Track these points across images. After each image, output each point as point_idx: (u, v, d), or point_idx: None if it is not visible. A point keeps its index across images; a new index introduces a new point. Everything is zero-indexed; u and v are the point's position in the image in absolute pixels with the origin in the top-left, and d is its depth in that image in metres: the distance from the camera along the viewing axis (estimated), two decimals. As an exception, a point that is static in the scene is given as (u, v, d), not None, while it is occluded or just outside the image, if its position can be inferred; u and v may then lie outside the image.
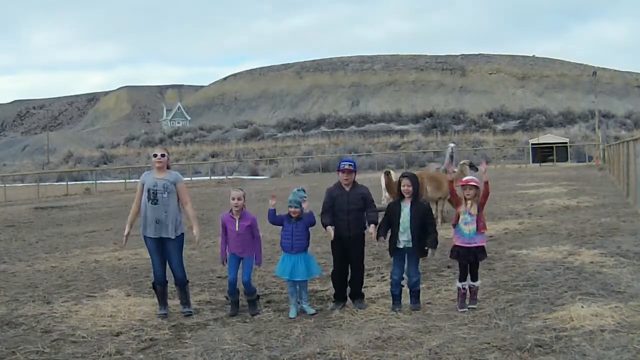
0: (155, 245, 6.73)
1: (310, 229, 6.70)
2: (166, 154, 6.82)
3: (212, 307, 7.08)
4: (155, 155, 6.77)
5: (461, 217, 6.50)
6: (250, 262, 6.75)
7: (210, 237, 12.98)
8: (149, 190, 6.63)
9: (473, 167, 14.08)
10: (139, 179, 6.97)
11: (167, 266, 6.89)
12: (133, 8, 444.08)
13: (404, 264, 6.60)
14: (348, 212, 6.65)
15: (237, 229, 6.61)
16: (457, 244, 6.57)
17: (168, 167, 6.88)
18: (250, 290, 6.74)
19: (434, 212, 12.83)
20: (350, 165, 6.75)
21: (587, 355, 4.90)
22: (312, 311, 6.56)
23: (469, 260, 6.50)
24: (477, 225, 6.45)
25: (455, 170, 13.61)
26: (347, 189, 6.73)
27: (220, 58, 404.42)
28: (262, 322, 6.39)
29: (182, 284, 6.88)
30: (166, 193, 6.63)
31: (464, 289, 6.51)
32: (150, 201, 6.61)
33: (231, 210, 6.68)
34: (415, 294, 6.62)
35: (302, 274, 6.56)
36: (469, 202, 6.49)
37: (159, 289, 6.81)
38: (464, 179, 6.77)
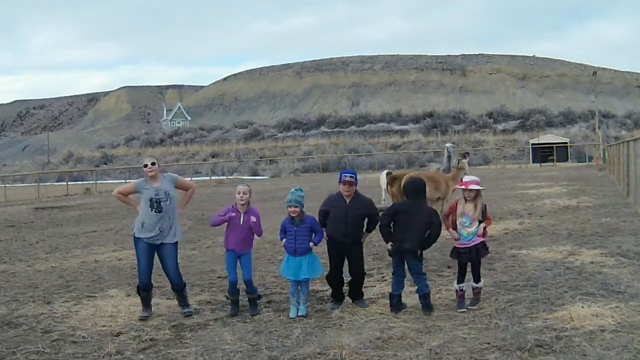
0: (147, 248, 6.68)
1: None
2: (156, 161, 6.76)
3: (212, 307, 7.08)
4: (145, 166, 6.69)
5: (459, 220, 6.46)
6: (249, 260, 6.76)
7: (210, 237, 12.98)
8: (151, 200, 6.58)
9: (467, 154, 14.32)
10: (139, 179, 6.94)
11: (153, 270, 6.83)
12: (133, 8, 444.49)
13: (404, 265, 6.59)
14: (346, 223, 6.66)
15: (241, 223, 6.61)
16: (456, 245, 6.57)
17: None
18: (252, 289, 6.75)
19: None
20: (351, 177, 6.71)
21: (588, 355, 4.90)
22: (304, 313, 6.53)
23: (470, 259, 6.49)
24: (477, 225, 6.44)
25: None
26: (348, 200, 6.73)
27: (220, 58, 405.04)
28: (262, 322, 6.39)
29: (179, 289, 6.86)
30: (169, 200, 6.62)
31: (461, 290, 6.50)
32: (154, 210, 6.57)
33: (236, 204, 6.69)
34: (425, 298, 6.48)
35: (306, 274, 6.57)
36: (469, 205, 6.45)
37: (143, 294, 6.74)
38: (465, 179, 6.71)
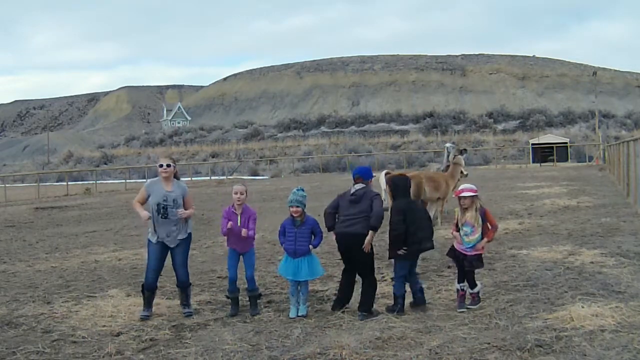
0: (160, 249, 6.69)
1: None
2: (172, 163, 6.72)
3: (212, 307, 7.08)
4: (161, 166, 6.68)
5: (462, 230, 6.48)
6: (251, 257, 6.78)
7: (210, 237, 12.98)
8: (158, 205, 6.57)
9: (464, 151, 14.37)
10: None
11: (160, 273, 6.84)
12: (133, 8, 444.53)
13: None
14: None
15: (238, 224, 6.61)
16: (455, 246, 6.58)
17: (175, 176, 6.82)
18: (253, 286, 6.75)
19: (433, 212, 12.84)
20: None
21: (588, 355, 4.90)
22: (304, 313, 6.52)
23: (463, 265, 6.51)
24: (480, 234, 6.45)
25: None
26: None
27: (220, 58, 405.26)
28: (262, 322, 6.39)
29: (185, 287, 6.85)
30: (176, 208, 6.61)
31: (462, 290, 6.50)
32: (160, 215, 6.57)
33: (233, 205, 6.69)
34: (421, 291, 6.58)
35: (305, 274, 6.57)
36: (468, 213, 6.45)
37: (147, 294, 6.75)
38: (460, 187, 6.72)
